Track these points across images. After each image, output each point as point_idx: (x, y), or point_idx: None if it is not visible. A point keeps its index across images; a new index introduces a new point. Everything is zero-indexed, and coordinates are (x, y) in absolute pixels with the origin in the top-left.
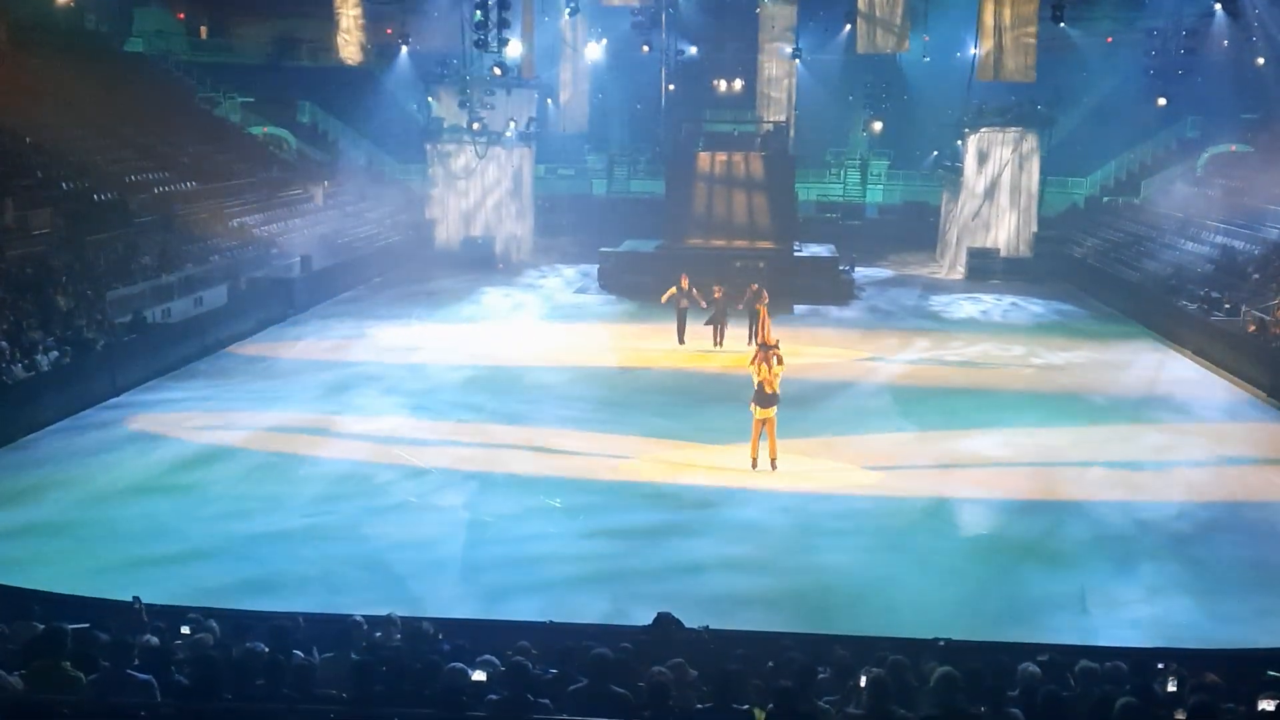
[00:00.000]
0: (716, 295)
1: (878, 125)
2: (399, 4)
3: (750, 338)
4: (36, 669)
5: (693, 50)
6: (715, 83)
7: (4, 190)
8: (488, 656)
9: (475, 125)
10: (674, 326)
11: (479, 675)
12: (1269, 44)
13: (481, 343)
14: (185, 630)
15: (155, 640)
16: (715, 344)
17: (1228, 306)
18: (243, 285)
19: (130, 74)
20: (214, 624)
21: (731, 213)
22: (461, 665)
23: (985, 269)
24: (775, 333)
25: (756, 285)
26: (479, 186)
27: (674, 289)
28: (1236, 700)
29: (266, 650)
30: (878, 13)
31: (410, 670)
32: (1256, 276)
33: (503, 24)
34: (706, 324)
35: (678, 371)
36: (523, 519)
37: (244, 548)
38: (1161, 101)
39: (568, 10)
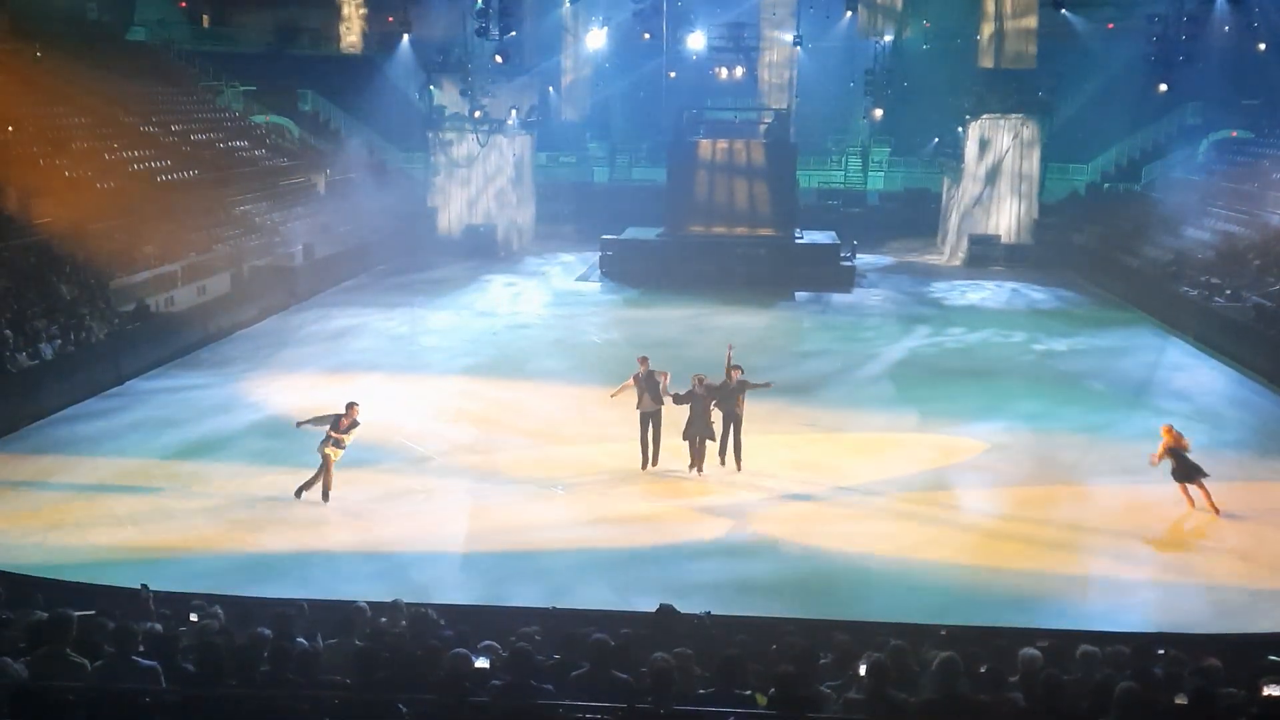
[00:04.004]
0: (697, 388)
1: (879, 112)
2: None
3: (723, 451)
4: (41, 656)
5: (694, 37)
6: (716, 70)
7: (7, 179)
8: (490, 642)
9: (477, 113)
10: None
11: (481, 662)
12: (1270, 30)
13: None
14: (193, 617)
15: (159, 628)
16: (692, 467)
17: (1228, 292)
18: (245, 273)
19: (132, 63)
20: (219, 610)
21: (733, 200)
22: (465, 651)
23: (986, 256)
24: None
25: (738, 371)
26: (481, 174)
27: (630, 381)
28: (1236, 684)
29: (271, 636)
30: None
31: (413, 656)
32: (1257, 263)
33: (504, 12)
34: (685, 437)
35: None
36: (525, 506)
37: (247, 535)
38: (1163, 88)
39: None
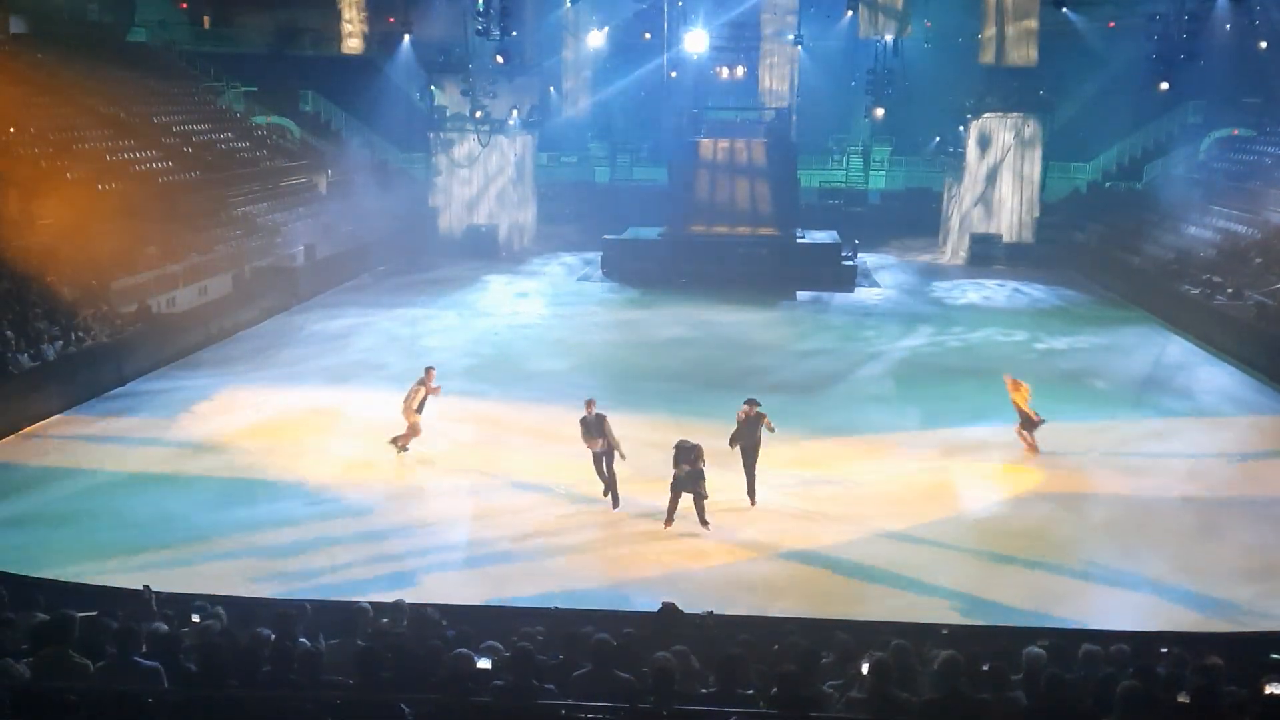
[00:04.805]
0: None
1: (880, 111)
2: None
3: (752, 492)
4: (44, 657)
5: (695, 35)
6: (717, 69)
7: (8, 181)
8: (492, 643)
9: (478, 113)
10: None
11: (484, 662)
12: (1271, 28)
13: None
14: (195, 618)
15: (164, 628)
16: (667, 523)
17: (1230, 291)
18: (247, 274)
19: (133, 64)
20: (221, 611)
21: (734, 199)
22: (467, 651)
23: (987, 255)
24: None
25: (753, 406)
26: (482, 174)
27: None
28: (1239, 683)
29: (273, 637)
30: None
31: (416, 657)
32: (1259, 260)
33: (505, 12)
34: (674, 491)
35: None
36: (527, 505)
37: (250, 535)
38: (1164, 86)
39: None
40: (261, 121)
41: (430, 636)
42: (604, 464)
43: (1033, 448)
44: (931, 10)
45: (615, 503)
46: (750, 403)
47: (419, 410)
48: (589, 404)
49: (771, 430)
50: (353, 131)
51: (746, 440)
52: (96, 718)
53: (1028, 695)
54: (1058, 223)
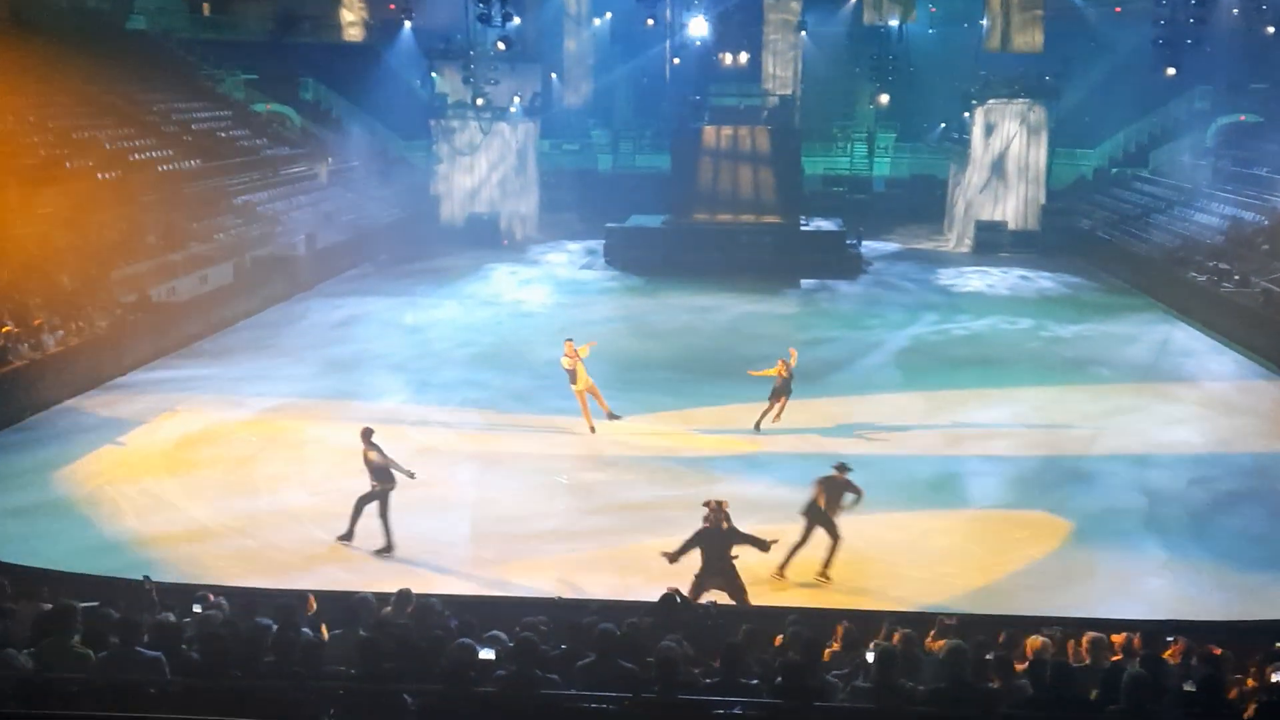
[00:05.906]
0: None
1: (884, 98)
2: None
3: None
4: (46, 647)
5: (698, 22)
6: (720, 56)
7: (7, 169)
8: (496, 632)
9: (479, 101)
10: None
11: (487, 652)
12: (1279, 13)
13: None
14: (196, 609)
15: (171, 618)
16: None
17: (1237, 278)
18: (248, 263)
19: (132, 52)
20: (223, 601)
21: (737, 187)
22: (470, 641)
23: (993, 242)
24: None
25: (843, 472)
26: (483, 162)
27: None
28: (1245, 671)
29: (275, 627)
30: None
31: (419, 647)
32: (1266, 247)
33: None
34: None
35: None
36: (529, 495)
37: (250, 526)
38: (1170, 72)
39: None
40: (261, 109)
41: (433, 627)
42: (373, 502)
43: (767, 417)
44: None
45: (389, 544)
46: (840, 468)
47: (586, 376)
48: (365, 432)
49: (855, 498)
50: (353, 119)
51: (832, 511)
52: (99, 708)
53: (1033, 684)
54: (1063, 210)
